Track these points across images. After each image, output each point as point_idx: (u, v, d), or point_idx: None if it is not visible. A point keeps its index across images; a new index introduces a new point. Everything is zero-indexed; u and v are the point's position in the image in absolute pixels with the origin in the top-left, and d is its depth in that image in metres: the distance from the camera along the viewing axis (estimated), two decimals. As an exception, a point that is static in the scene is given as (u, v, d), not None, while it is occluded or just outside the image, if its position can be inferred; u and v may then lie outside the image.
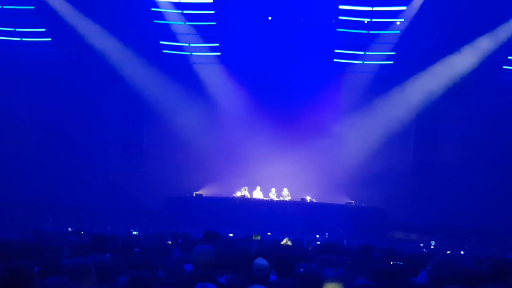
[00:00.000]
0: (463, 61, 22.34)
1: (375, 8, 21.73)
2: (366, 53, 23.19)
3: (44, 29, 23.32)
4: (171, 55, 23.85)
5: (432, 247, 18.81)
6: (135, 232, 14.56)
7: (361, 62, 23.44)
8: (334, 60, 23.41)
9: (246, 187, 22.36)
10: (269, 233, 18.17)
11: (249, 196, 22.34)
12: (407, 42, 22.31)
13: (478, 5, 21.12)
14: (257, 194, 22.62)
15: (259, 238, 10.54)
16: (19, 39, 23.38)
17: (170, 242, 9.72)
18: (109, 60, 22.97)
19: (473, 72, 22.20)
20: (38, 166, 23.21)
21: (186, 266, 6.56)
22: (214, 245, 6.39)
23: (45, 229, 13.47)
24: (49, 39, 23.51)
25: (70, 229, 13.50)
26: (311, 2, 22.08)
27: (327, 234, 19.19)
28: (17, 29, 23.14)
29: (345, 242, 14.69)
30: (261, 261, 5.61)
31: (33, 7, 22.55)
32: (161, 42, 23.59)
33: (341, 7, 21.68)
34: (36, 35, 23.39)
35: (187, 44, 23.55)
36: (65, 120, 23.64)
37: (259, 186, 22.61)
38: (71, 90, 23.59)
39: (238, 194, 22.24)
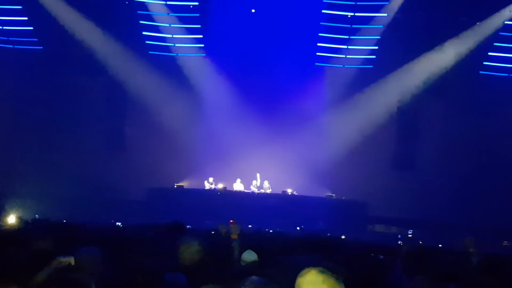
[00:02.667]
0: (445, 57, 22.54)
1: (359, 3, 21.92)
2: (349, 47, 23.26)
3: (26, 18, 23.02)
4: (154, 46, 23.70)
5: (410, 235, 18.82)
6: (118, 223, 14.50)
7: (344, 56, 23.50)
8: (317, 53, 23.48)
9: (212, 178, 22.33)
10: (250, 226, 18.19)
11: (212, 187, 22.27)
12: (390, 37, 22.43)
13: (460, 2, 21.33)
14: (238, 186, 22.61)
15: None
16: (-1, 27, 23.16)
17: None
18: (91, 51, 22.77)
19: (454, 68, 22.41)
20: (20, 156, 23.00)
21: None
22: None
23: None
24: (31, 28, 23.24)
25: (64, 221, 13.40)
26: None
27: (302, 226, 19.23)
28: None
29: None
30: (249, 253, 5.59)
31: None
32: (144, 33, 23.42)
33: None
34: (17, 24, 23.09)
35: (170, 35, 23.44)
36: (48, 111, 23.46)
37: (239, 178, 22.61)
38: (53, 81, 23.42)
39: (207, 186, 22.22)
